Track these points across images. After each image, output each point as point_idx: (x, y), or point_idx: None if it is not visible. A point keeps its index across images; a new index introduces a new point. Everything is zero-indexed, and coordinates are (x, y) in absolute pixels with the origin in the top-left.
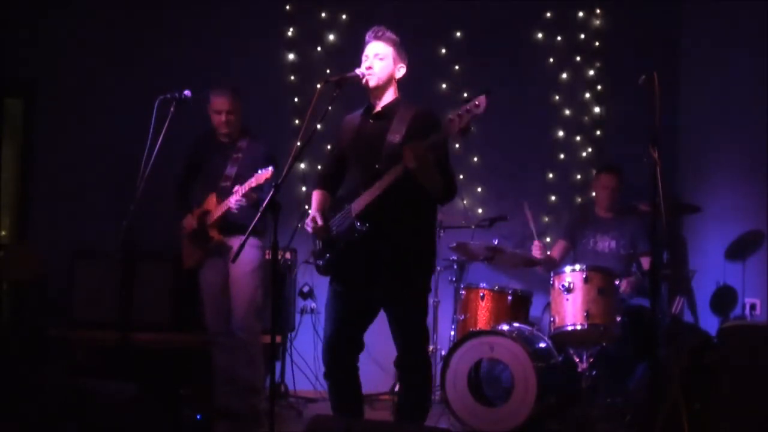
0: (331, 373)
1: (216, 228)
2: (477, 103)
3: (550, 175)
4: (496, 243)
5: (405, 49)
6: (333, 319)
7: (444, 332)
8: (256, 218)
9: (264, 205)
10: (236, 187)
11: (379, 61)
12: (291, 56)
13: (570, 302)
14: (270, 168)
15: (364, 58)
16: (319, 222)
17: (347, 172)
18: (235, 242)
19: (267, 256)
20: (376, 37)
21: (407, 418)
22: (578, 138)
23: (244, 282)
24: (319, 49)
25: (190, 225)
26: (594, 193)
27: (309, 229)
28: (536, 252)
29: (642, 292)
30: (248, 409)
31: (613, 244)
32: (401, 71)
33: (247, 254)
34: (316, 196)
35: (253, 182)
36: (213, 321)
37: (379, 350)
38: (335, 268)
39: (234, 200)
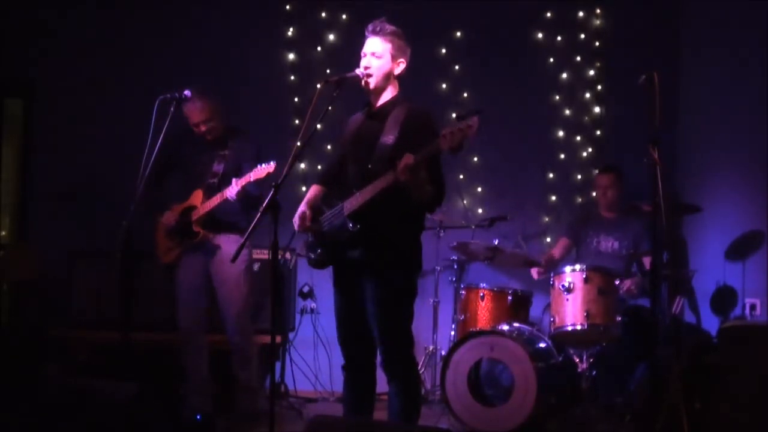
0: (346, 367)
1: (200, 224)
2: (470, 124)
3: (550, 175)
4: (496, 243)
5: (406, 41)
6: (336, 317)
7: (444, 332)
8: (256, 218)
9: (264, 204)
10: (234, 179)
11: (376, 59)
12: (291, 56)
13: (570, 302)
14: (272, 163)
15: (362, 56)
16: (307, 222)
17: (345, 170)
18: (220, 239)
19: (256, 255)
20: (374, 32)
21: (399, 420)
22: (578, 138)
23: (233, 283)
24: (319, 49)
25: (168, 220)
26: (595, 194)
27: (296, 227)
28: (535, 275)
29: (645, 293)
30: (245, 409)
31: (616, 244)
32: (400, 67)
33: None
34: (311, 190)
35: (252, 176)
36: (186, 320)
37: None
38: (325, 264)
39: (234, 191)
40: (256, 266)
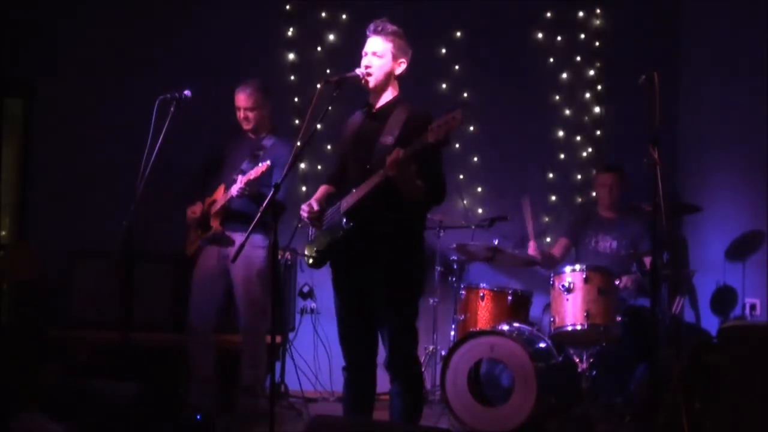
0: (346, 368)
1: (218, 218)
2: (454, 116)
3: (550, 175)
4: (496, 243)
5: (407, 41)
6: (337, 318)
7: (444, 332)
8: (256, 219)
9: (264, 205)
10: (239, 176)
11: (377, 58)
12: (291, 56)
13: (570, 302)
14: (267, 161)
15: (363, 55)
16: (315, 207)
17: (346, 170)
18: (236, 236)
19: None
20: (375, 32)
21: (401, 419)
22: (578, 138)
23: (248, 283)
24: (319, 49)
25: (192, 212)
26: (595, 194)
27: (304, 214)
28: (531, 251)
29: (643, 292)
30: (246, 409)
31: (614, 244)
32: (401, 67)
33: (252, 255)
34: (320, 189)
35: (252, 174)
36: (196, 315)
37: (379, 350)
38: (321, 262)
39: (236, 188)
40: None
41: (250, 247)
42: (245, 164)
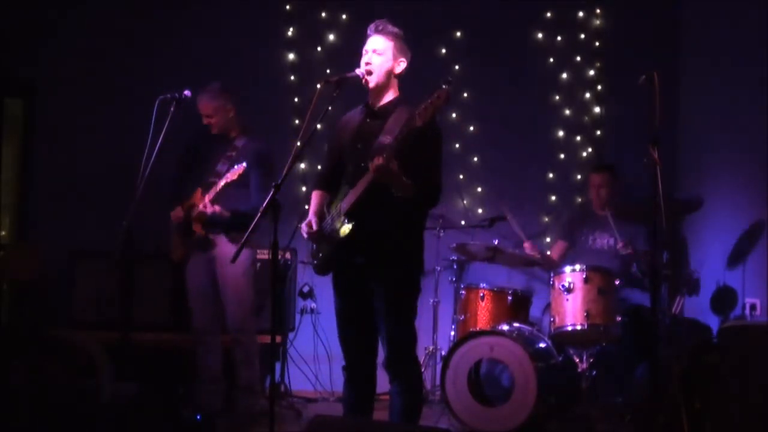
0: (346, 368)
1: (199, 222)
2: (438, 95)
3: (550, 175)
4: (496, 243)
5: (407, 44)
6: (337, 319)
7: (444, 332)
8: (256, 219)
9: (264, 204)
10: (217, 180)
11: (378, 56)
12: (291, 56)
13: (570, 302)
14: (243, 163)
15: (363, 53)
16: (314, 227)
17: (344, 171)
18: (219, 239)
19: (258, 255)
20: (376, 31)
21: (401, 419)
22: (578, 138)
23: (234, 283)
24: (319, 49)
25: (176, 217)
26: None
27: (305, 235)
28: (529, 251)
29: (639, 286)
30: (245, 409)
31: (611, 241)
32: (401, 66)
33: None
34: (314, 198)
35: (229, 177)
36: (198, 319)
37: (379, 350)
38: (328, 267)
39: (209, 209)
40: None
41: (231, 248)
42: (220, 166)
